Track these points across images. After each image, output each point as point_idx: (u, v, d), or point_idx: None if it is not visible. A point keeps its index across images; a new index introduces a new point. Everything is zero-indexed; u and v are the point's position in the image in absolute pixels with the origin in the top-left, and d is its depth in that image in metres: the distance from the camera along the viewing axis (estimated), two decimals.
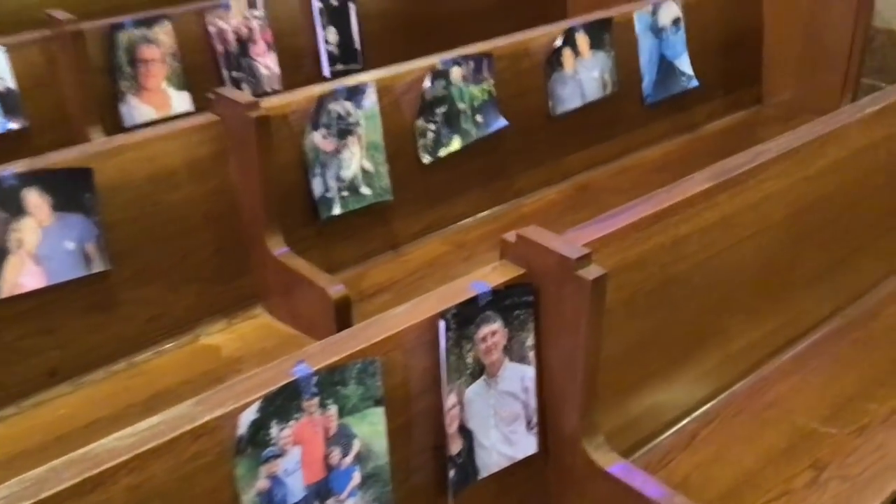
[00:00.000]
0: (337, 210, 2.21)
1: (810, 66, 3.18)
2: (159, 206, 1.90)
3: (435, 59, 2.36)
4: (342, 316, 1.90)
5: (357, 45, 3.16)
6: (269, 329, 2.05)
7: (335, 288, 1.90)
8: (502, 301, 1.39)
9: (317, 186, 2.16)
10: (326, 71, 3.10)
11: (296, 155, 2.12)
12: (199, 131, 1.95)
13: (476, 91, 2.45)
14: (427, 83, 2.32)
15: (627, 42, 2.81)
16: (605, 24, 2.71)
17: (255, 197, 1.99)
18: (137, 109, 2.72)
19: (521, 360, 1.44)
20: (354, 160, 2.23)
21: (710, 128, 3.13)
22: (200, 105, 2.80)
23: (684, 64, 2.97)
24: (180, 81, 2.77)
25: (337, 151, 2.19)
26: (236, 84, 2.90)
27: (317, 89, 2.16)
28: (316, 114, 2.13)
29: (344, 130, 2.20)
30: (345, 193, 2.22)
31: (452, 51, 2.41)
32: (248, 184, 1.99)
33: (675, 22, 2.91)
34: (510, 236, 1.43)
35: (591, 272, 1.35)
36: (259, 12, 2.93)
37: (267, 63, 2.96)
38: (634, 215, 1.58)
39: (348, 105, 2.20)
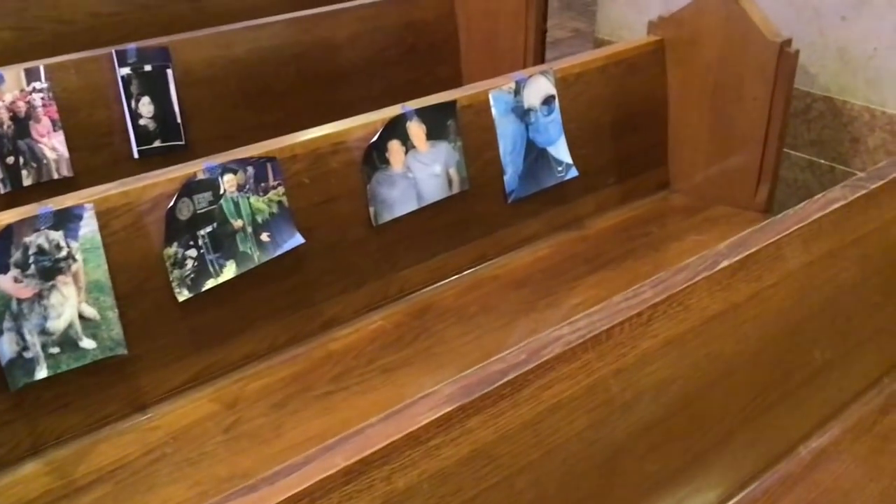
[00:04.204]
0: (42, 373, 1.68)
1: (720, 147, 2.64)
2: None
3: (197, 167, 1.84)
4: None
5: (178, 118, 2.64)
6: None
7: None
8: None
9: (6, 346, 1.63)
10: (135, 151, 2.58)
11: None
12: None
13: (260, 203, 1.92)
14: (178, 198, 1.79)
15: (483, 127, 2.28)
16: (447, 108, 2.18)
17: None
18: None
19: None
20: (68, 306, 1.70)
21: (600, 223, 2.59)
22: None
23: (560, 151, 2.43)
24: None
25: (39, 297, 1.67)
26: (13, 171, 2.38)
27: (5, 217, 1.63)
28: (3, 251, 1.61)
29: (50, 269, 1.67)
30: (55, 350, 1.69)
31: (224, 154, 1.89)
32: None
33: (547, 101, 2.37)
34: None
35: None
36: (42, 84, 2.41)
37: (53, 144, 2.44)
38: (303, 481, 1.04)
39: (56, 235, 1.67)
